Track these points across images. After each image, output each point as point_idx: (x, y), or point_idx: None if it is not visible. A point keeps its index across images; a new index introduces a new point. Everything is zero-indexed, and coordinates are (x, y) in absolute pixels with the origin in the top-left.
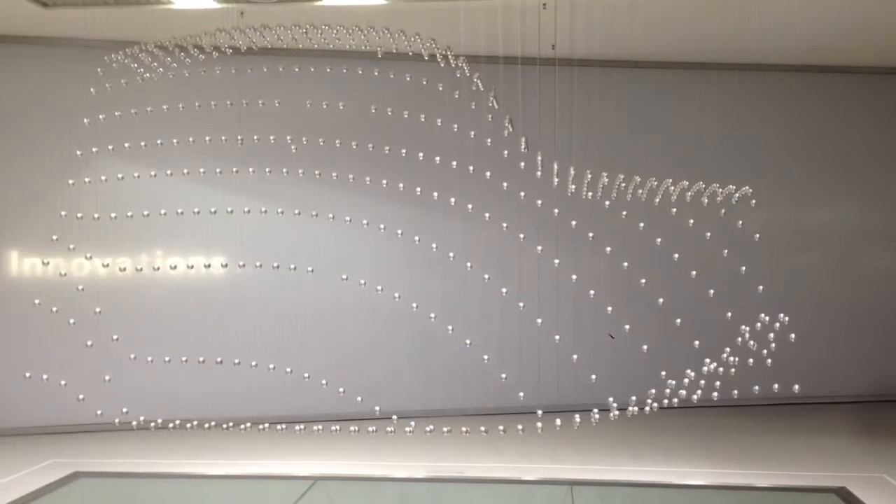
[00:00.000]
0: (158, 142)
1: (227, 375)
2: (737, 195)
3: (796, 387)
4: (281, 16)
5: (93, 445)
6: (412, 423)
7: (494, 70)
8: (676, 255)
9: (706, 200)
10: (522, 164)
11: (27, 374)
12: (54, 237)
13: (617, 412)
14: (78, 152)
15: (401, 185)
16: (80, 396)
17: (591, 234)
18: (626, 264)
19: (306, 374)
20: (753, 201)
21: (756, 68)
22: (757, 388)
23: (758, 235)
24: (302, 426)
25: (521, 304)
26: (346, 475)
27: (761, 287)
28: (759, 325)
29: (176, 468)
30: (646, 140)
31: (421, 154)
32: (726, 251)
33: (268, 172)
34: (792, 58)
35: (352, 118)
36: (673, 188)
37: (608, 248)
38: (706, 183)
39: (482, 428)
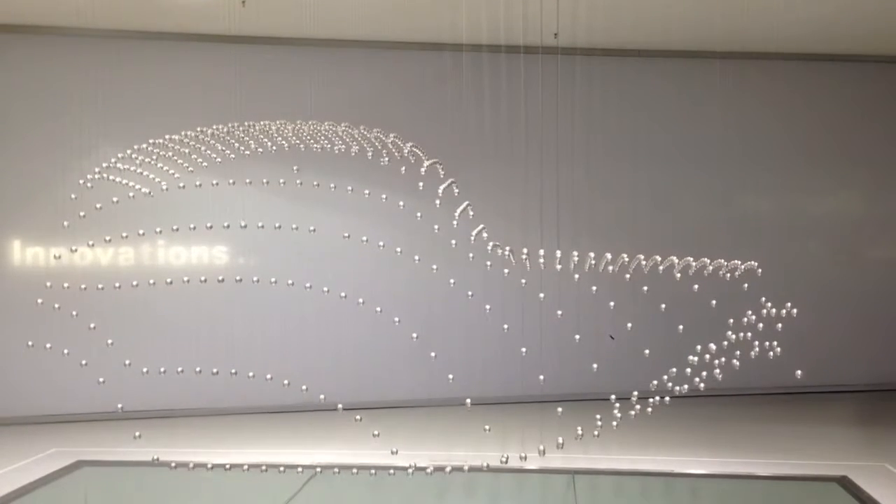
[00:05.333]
0: (163, 137)
1: (226, 367)
2: (742, 267)
3: (798, 372)
4: (281, 5)
5: (95, 434)
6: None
7: (496, 59)
8: (677, 265)
9: (709, 272)
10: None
11: (29, 343)
12: (56, 256)
13: (619, 416)
14: (82, 181)
15: (403, 168)
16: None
17: (591, 255)
18: (627, 276)
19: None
20: (759, 270)
21: (759, 57)
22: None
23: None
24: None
25: (524, 281)
26: (349, 464)
27: (764, 300)
28: (763, 311)
29: (178, 457)
30: (649, 129)
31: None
32: (729, 271)
33: (262, 151)
34: (794, 46)
35: (351, 107)
36: (678, 262)
37: (608, 255)
38: (707, 175)
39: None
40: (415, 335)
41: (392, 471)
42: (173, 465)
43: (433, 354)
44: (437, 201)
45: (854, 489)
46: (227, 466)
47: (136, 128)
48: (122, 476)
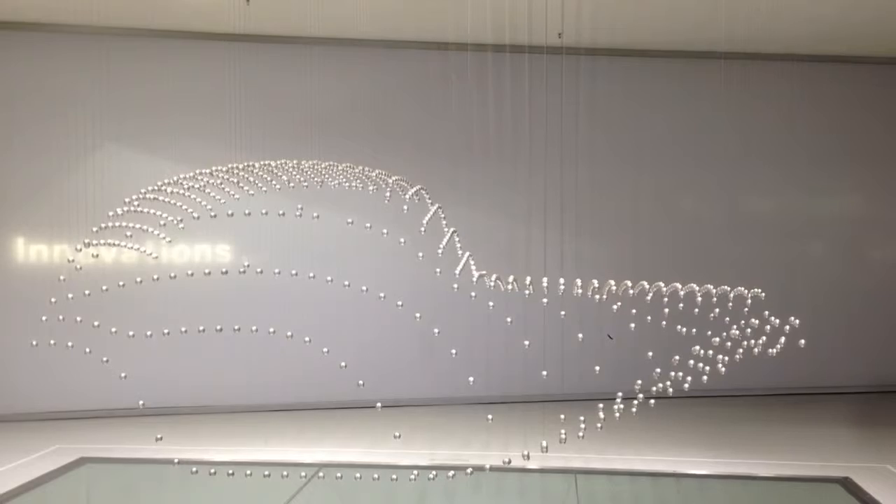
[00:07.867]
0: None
1: (230, 363)
2: (748, 295)
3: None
4: (286, 4)
5: (98, 431)
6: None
7: (500, 58)
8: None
9: (716, 299)
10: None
11: (33, 343)
12: (62, 278)
13: (622, 407)
14: (80, 246)
15: (408, 181)
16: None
17: (595, 282)
18: (631, 292)
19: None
20: (763, 295)
21: (762, 57)
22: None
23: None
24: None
25: (527, 292)
26: (351, 462)
27: (768, 314)
28: (767, 327)
29: (181, 454)
30: (652, 129)
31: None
32: (730, 292)
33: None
34: (798, 47)
35: (355, 106)
36: (681, 287)
37: (611, 282)
38: (710, 175)
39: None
40: (418, 315)
41: (394, 476)
42: (176, 461)
43: (436, 331)
44: (440, 251)
45: (856, 490)
46: (230, 472)
47: (138, 126)
48: (125, 472)
